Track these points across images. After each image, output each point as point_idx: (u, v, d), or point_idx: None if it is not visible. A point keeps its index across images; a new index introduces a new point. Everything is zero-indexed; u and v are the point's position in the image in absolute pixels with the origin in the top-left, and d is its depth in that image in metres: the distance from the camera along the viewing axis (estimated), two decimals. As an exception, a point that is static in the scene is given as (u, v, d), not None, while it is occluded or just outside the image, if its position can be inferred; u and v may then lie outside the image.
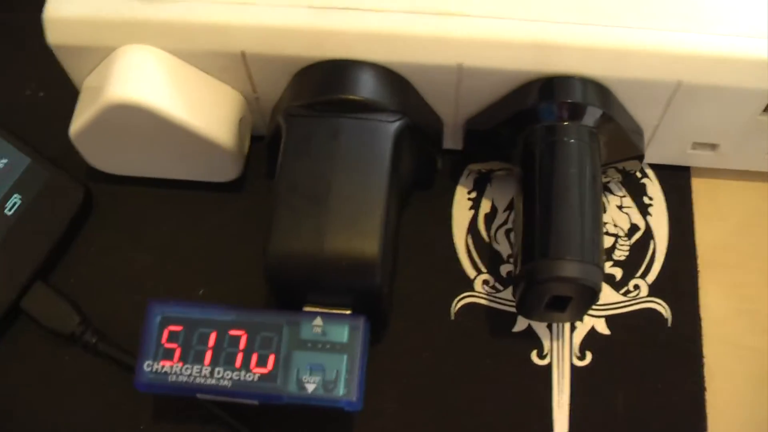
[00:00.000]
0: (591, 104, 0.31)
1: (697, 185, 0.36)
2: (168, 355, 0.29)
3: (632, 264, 0.35)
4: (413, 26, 0.31)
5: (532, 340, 0.34)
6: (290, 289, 0.30)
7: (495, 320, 0.34)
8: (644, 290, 0.35)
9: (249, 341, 0.29)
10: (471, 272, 0.35)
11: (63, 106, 0.37)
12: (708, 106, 0.32)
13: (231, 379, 0.29)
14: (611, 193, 0.36)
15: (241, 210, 0.37)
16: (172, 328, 0.30)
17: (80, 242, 0.36)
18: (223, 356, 0.29)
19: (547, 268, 0.29)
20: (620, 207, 0.36)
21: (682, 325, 0.34)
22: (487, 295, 0.34)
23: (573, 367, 0.33)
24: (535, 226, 0.30)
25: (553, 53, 0.31)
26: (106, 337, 0.33)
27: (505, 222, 0.36)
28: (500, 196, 0.36)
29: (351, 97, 0.30)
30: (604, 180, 0.35)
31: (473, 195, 0.36)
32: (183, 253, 0.36)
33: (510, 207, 0.36)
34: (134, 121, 0.32)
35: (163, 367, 0.29)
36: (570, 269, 0.29)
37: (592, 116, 0.31)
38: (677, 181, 0.36)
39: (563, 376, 0.33)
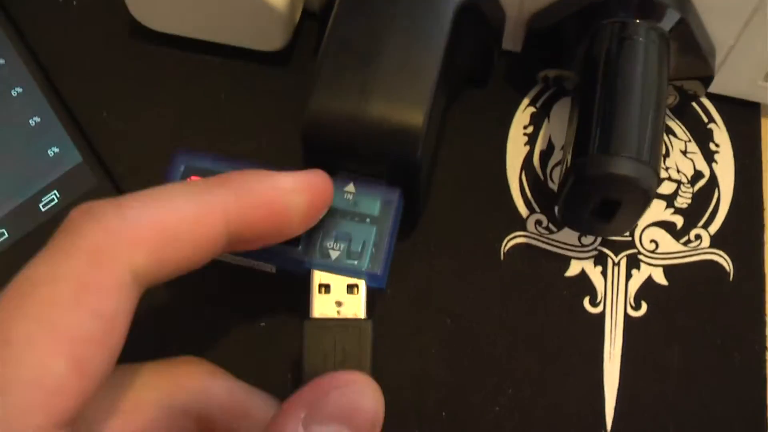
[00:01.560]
0: (667, 5, 0.29)
1: (768, 134, 0.34)
2: None
3: (694, 213, 0.33)
4: None
5: (585, 285, 0.32)
6: (326, 150, 0.28)
7: (547, 262, 0.32)
8: (706, 241, 0.32)
9: None
10: (524, 211, 0.33)
11: (97, 17, 0.35)
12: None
13: None
14: (675, 136, 0.34)
15: (286, 85, 0.35)
16: (195, 179, 0.27)
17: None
18: None
19: (600, 162, 0.27)
20: (684, 152, 0.34)
21: (745, 280, 0.32)
22: (540, 235, 0.32)
23: (627, 317, 0.31)
24: (591, 121, 0.28)
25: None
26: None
27: (562, 161, 0.33)
28: (558, 132, 0.34)
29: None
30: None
31: (529, 130, 0.34)
32: (222, 124, 0.34)
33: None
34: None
35: None
36: (625, 166, 0.27)
37: (666, 18, 0.29)
38: (746, 130, 0.34)
39: (616, 326, 0.31)
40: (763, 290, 0.32)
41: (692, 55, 0.30)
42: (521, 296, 0.32)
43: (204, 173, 0.27)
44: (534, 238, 0.32)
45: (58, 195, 0.32)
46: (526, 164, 0.34)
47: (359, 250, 0.27)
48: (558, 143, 0.34)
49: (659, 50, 0.29)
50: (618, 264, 0.32)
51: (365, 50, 0.27)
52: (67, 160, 0.32)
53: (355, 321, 0.26)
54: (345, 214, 0.27)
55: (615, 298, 0.32)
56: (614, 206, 0.28)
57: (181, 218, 0.22)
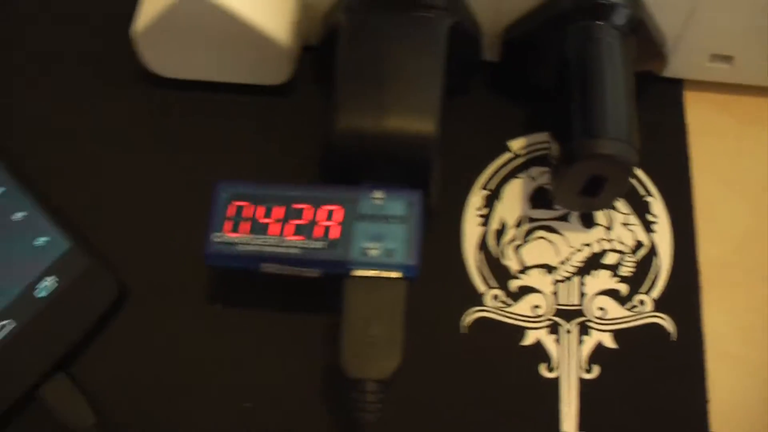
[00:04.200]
0: (623, 6, 0.34)
1: (700, 203, 0.37)
2: (235, 227, 0.31)
3: (637, 280, 0.36)
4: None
5: (540, 353, 0.35)
6: (352, 162, 0.32)
7: (505, 334, 0.35)
8: (649, 305, 0.35)
9: (314, 214, 0.31)
10: (481, 287, 0.36)
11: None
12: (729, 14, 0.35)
13: (298, 247, 0.31)
14: (617, 211, 0.37)
15: (291, 113, 0.39)
16: (238, 203, 0.32)
17: (108, 336, 0.35)
18: (289, 227, 0.31)
19: (587, 145, 0.32)
20: (625, 224, 0.37)
21: (686, 340, 0.35)
22: (497, 309, 0.35)
23: (581, 380, 0.34)
24: (573, 113, 0.33)
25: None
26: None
27: (514, 238, 0.37)
28: (509, 212, 0.37)
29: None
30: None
31: (484, 212, 0.37)
32: (232, 157, 0.38)
33: (518, 224, 0.37)
34: (199, 16, 0.34)
35: (231, 237, 0.31)
36: (607, 146, 0.32)
37: (624, 17, 0.34)
38: (680, 200, 0.37)
39: (571, 389, 0.34)
40: (703, 349, 0.35)
41: (647, 43, 0.35)
42: (481, 366, 0.34)
43: (246, 198, 0.32)
44: (492, 312, 0.35)
45: (56, 280, 0.34)
46: (482, 243, 0.37)
47: (393, 247, 0.31)
48: (510, 222, 0.37)
49: (621, 43, 0.34)
50: (570, 331, 0.35)
51: (375, 73, 0.32)
52: (56, 248, 0.35)
53: (390, 279, 0.31)
54: (376, 218, 0.31)
55: (569, 363, 0.34)
56: (602, 182, 0.33)
57: None
